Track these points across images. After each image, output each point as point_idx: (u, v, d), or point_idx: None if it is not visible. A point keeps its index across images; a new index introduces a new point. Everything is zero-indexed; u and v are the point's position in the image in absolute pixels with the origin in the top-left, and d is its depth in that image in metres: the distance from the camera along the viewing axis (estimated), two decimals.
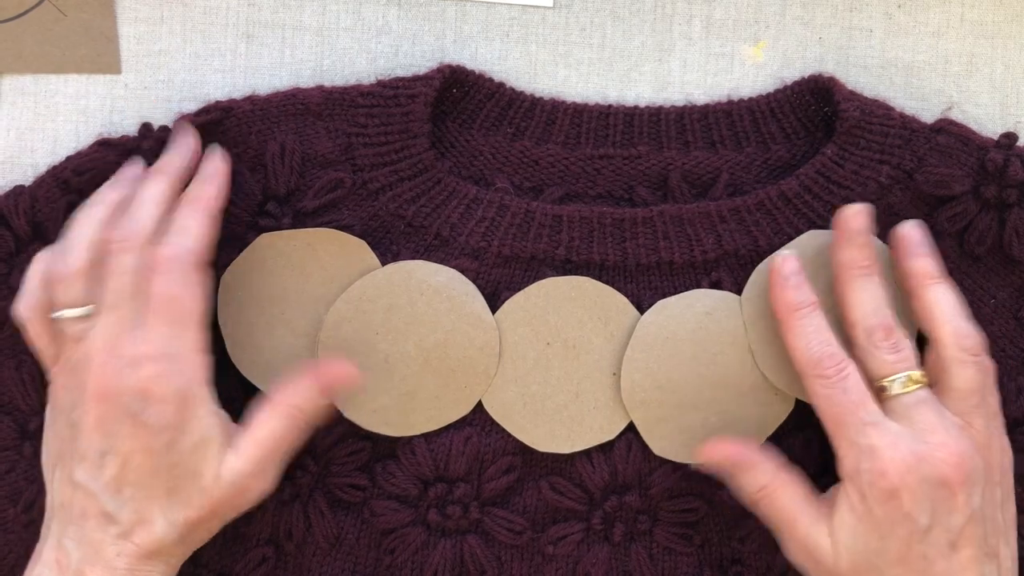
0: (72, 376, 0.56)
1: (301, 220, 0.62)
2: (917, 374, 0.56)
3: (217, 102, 0.63)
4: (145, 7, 0.65)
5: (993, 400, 0.57)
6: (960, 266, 0.62)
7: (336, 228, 0.61)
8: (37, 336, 0.58)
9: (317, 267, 0.61)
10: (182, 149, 0.60)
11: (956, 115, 0.64)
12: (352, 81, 0.65)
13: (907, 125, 0.63)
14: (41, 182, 0.62)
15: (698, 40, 0.66)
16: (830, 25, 0.66)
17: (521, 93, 0.65)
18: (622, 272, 0.62)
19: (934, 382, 0.57)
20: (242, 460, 0.56)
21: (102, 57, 0.65)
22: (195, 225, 0.57)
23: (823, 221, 0.62)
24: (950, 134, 0.62)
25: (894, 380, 0.56)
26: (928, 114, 0.65)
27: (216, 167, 0.60)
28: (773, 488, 0.58)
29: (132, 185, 0.59)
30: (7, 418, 0.62)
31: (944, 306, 0.58)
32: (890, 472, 0.54)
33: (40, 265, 0.58)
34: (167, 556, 0.56)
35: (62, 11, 0.64)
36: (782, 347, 0.59)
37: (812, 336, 0.57)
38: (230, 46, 0.65)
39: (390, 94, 0.62)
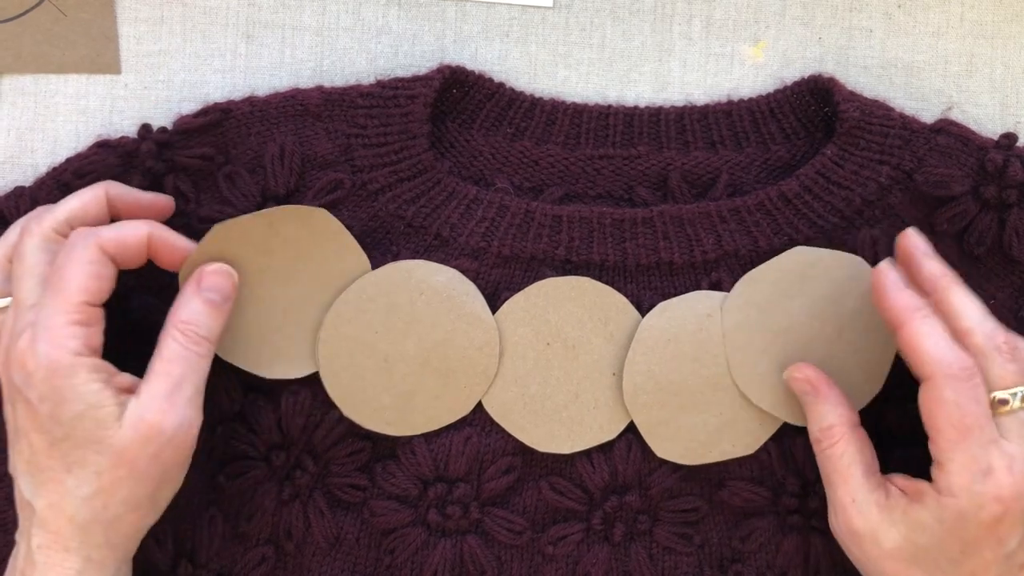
0: (1, 368, 0.56)
1: None
2: None
3: (216, 104, 0.63)
4: (145, 7, 0.65)
5: None
6: (960, 267, 0.62)
7: None
8: None
9: (279, 243, 0.60)
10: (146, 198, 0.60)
11: (956, 115, 0.64)
12: (352, 81, 0.64)
13: (907, 125, 0.62)
14: (41, 184, 0.62)
15: (698, 40, 0.66)
16: (830, 25, 0.65)
17: (521, 93, 0.65)
18: (622, 272, 0.62)
19: None
20: (143, 397, 0.54)
21: (102, 57, 0.65)
22: (128, 226, 0.57)
23: (823, 221, 0.62)
24: (950, 134, 0.62)
25: (1016, 393, 0.53)
26: (928, 114, 0.65)
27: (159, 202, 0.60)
28: (839, 434, 0.57)
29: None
30: None
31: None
32: (1004, 498, 0.52)
33: None
34: (86, 547, 0.54)
35: (62, 11, 0.64)
36: (757, 360, 0.60)
37: (941, 336, 0.54)
38: (230, 46, 0.65)
39: (389, 95, 0.62)
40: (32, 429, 0.53)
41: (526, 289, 0.61)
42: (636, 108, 0.65)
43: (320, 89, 0.63)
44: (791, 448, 0.61)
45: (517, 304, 0.61)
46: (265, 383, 0.62)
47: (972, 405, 0.53)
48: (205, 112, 0.62)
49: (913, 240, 0.58)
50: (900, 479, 0.56)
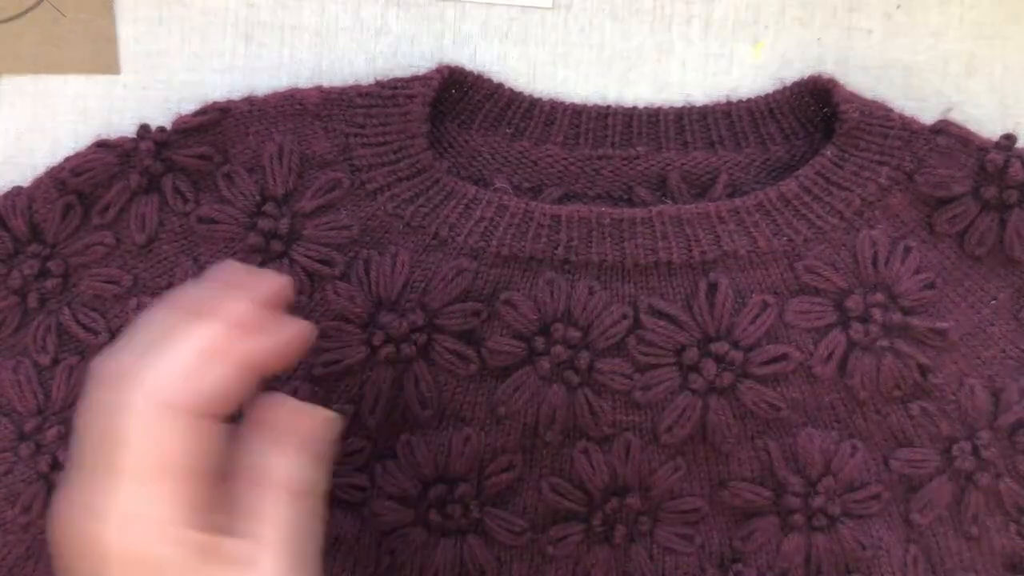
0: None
1: (299, 221, 0.61)
2: None
3: (215, 103, 0.63)
4: (144, 7, 0.65)
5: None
6: (960, 268, 0.62)
7: (334, 228, 0.61)
8: None
9: None
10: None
11: (956, 116, 0.64)
12: (350, 81, 0.65)
13: (907, 126, 0.62)
14: (39, 183, 0.62)
15: (697, 41, 0.66)
16: (829, 26, 0.65)
17: (520, 93, 0.65)
18: (620, 272, 0.62)
19: None
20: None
21: (101, 57, 0.65)
22: (213, 375, 0.47)
23: (822, 222, 0.62)
24: (950, 135, 0.62)
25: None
26: (928, 115, 0.64)
27: (290, 331, 0.51)
28: None
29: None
30: (4, 419, 0.62)
31: None
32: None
33: None
34: None
35: (61, 11, 0.64)
36: None
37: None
38: (229, 46, 0.65)
39: (388, 94, 0.62)
40: None
41: None
42: (635, 108, 0.65)
43: (319, 88, 0.63)
44: (792, 447, 0.61)
45: None
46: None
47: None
48: (203, 111, 0.62)
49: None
50: None
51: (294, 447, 0.50)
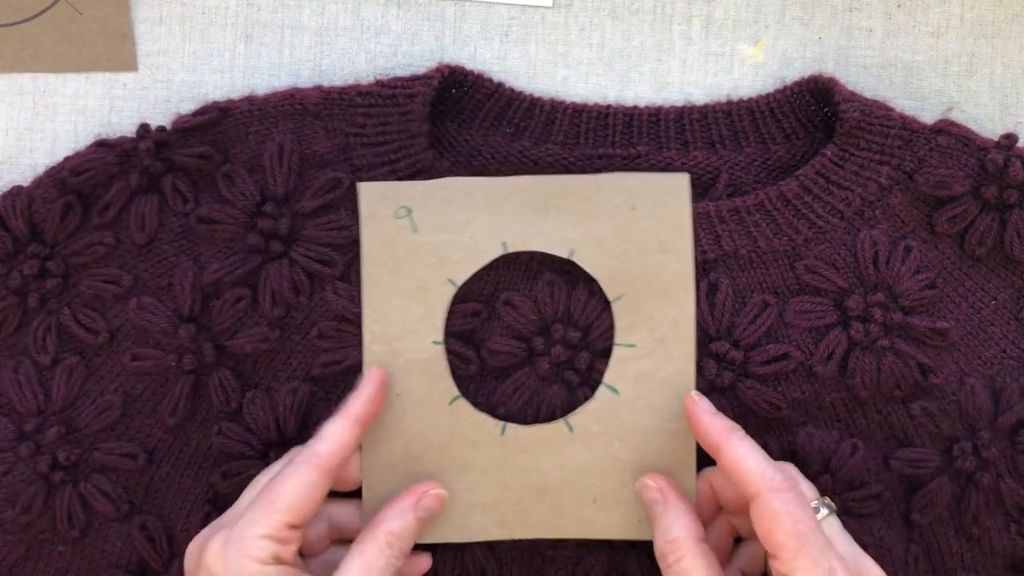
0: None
1: (299, 221, 0.61)
2: (830, 501, 0.57)
3: (215, 102, 0.63)
4: (144, 7, 0.65)
5: None
6: (960, 267, 0.62)
7: (334, 228, 0.61)
8: None
9: None
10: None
11: (956, 115, 0.64)
12: (351, 81, 0.64)
13: (907, 126, 0.62)
14: (39, 183, 0.62)
15: (697, 40, 0.66)
16: (830, 25, 0.65)
17: (520, 93, 0.65)
18: None
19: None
20: None
21: (118, 54, 0.65)
22: (331, 431, 0.57)
23: (823, 222, 0.62)
24: (950, 135, 0.62)
25: (820, 504, 0.56)
26: (928, 114, 0.65)
27: (368, 385, 0.59)
28: (686, 547, 0.55)
29: None
30: (4, 419, 0.62)
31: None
32: None
33: None
34: None
35: (78, 9, 0.64)
36: None
37: (760, 453, 0.55)
38: (229, 46, 0.65)
39: (388, 94, 0.62)
40: None
41: None
42: (636, 108, 0.65)
43: (319, 88, 0.63)
44: (792, 446, 0.61)
45: None
46: (263, 381, 0.62)
47: (802, 512, 0.53)
48: (203, 111, 0.62)
49: (695, 401, 0.58)
50: None
51: (410, 508, 0.57)
